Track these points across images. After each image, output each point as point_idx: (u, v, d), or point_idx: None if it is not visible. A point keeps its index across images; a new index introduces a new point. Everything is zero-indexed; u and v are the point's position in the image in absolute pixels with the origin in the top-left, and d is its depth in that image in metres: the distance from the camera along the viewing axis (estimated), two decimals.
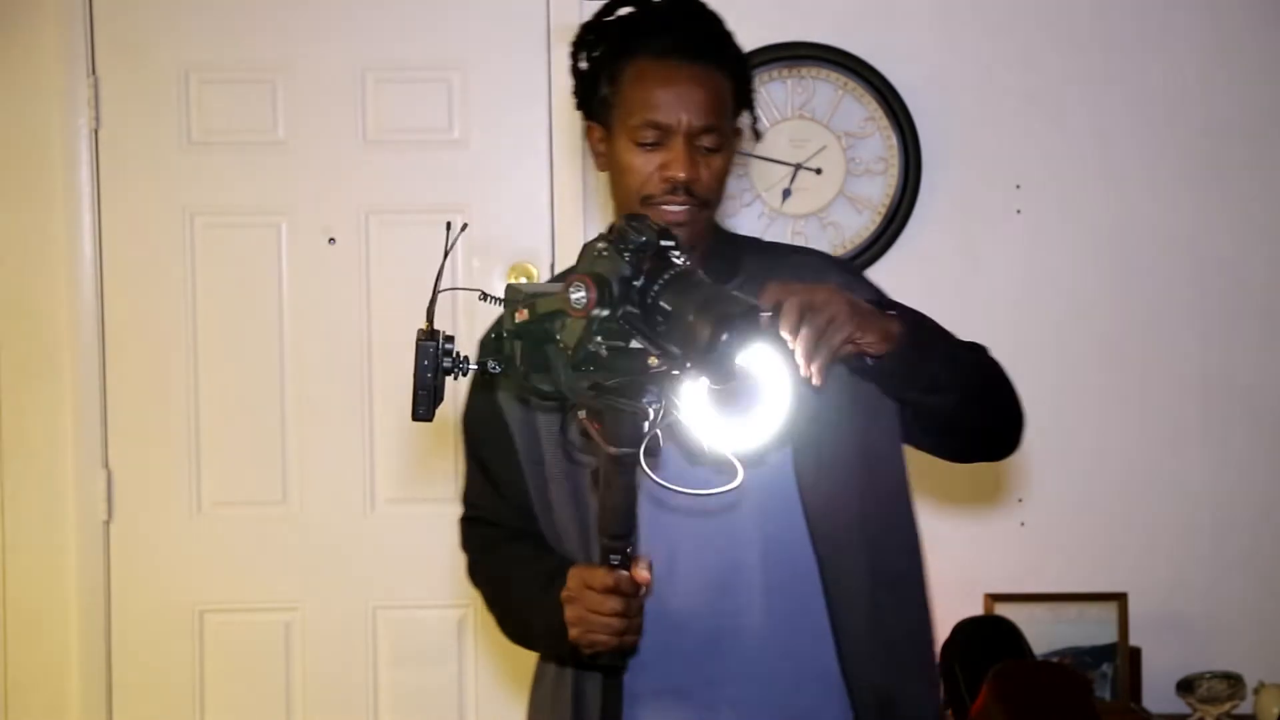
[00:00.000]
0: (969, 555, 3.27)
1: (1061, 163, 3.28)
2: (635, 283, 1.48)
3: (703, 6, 1.86)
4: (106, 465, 3.26)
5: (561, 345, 1.52)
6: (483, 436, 1.91)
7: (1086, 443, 3.30)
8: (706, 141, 1.79)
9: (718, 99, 1.80)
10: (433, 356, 1.59)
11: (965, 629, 3.12)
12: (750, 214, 3.25)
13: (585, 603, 1.64)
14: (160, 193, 3.27)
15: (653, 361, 1.50)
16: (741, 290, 1.78)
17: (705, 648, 1.80)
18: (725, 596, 1.79)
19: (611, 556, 1.59)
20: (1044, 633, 3.18)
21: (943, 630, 3.14)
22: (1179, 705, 3.16)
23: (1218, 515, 3.29)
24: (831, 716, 1.82)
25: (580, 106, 1.88)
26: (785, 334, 1.56)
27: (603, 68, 1.82)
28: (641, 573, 1.60)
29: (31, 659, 3.27)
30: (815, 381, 1.57)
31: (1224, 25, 3.28)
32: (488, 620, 3.25)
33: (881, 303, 1.77)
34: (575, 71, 1.88)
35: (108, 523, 3.26)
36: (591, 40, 1.86)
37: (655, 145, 1.78)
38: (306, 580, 3.28)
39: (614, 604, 1.62)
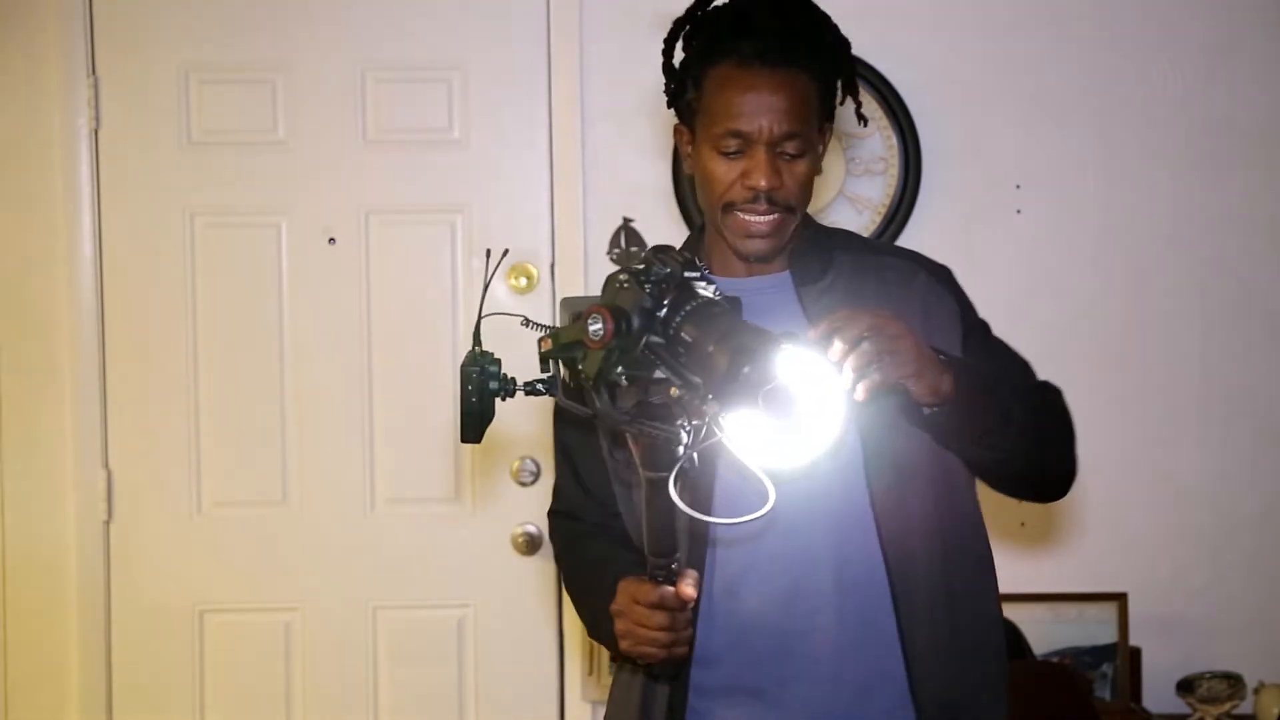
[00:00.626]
0: None
1: (1061, 163, 3.28)
2: (658, 314, 1.49)
3: (798, 8, 1.85)
4: (106, 465, 3.26)
5: (583, 375, 1.53)
6: (570, 433, 1.94)
7: (1086, 443, 3.26)
8: (789, 148, 1.78)
9: (801, 105, 1.79)
10: (476, 380, 1.58)
11: None
12: None
13: (633, 617, 1.69)
14: (160, 193, 3.27)
15: (674, 392, 1.51)
16: (831, 288, 1.83)
17: (777, 649, 1.82)
18: (797, 602, 1.81)
19: (655, 574, 1.65)
20: (1044, 633, 3.18)
21: None
22: (1179, 705, 3.16)
23: (1218, 515, 3.29)
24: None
25: (671, 105, 1.89)
26: (838, 346, 1.54)
27: (688, 71, 1.83)
28: (687, 589, 1.64)
29: (31, 659, 3.27)
30: (859, 397, 1.56)
31: (1224, 25, 3.28)
32: (488, 620, 3.28)
33: (947, 351, 1.75)
34: (667, 69, 1.89)
35: (108, 523, 3.26)
36: (682, 38, 1.87)
37: (738, 153, 1.78)
38: (306, 580, 3.28)
39: (660, 619, 1.67)
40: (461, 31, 3.28)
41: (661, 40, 1.89)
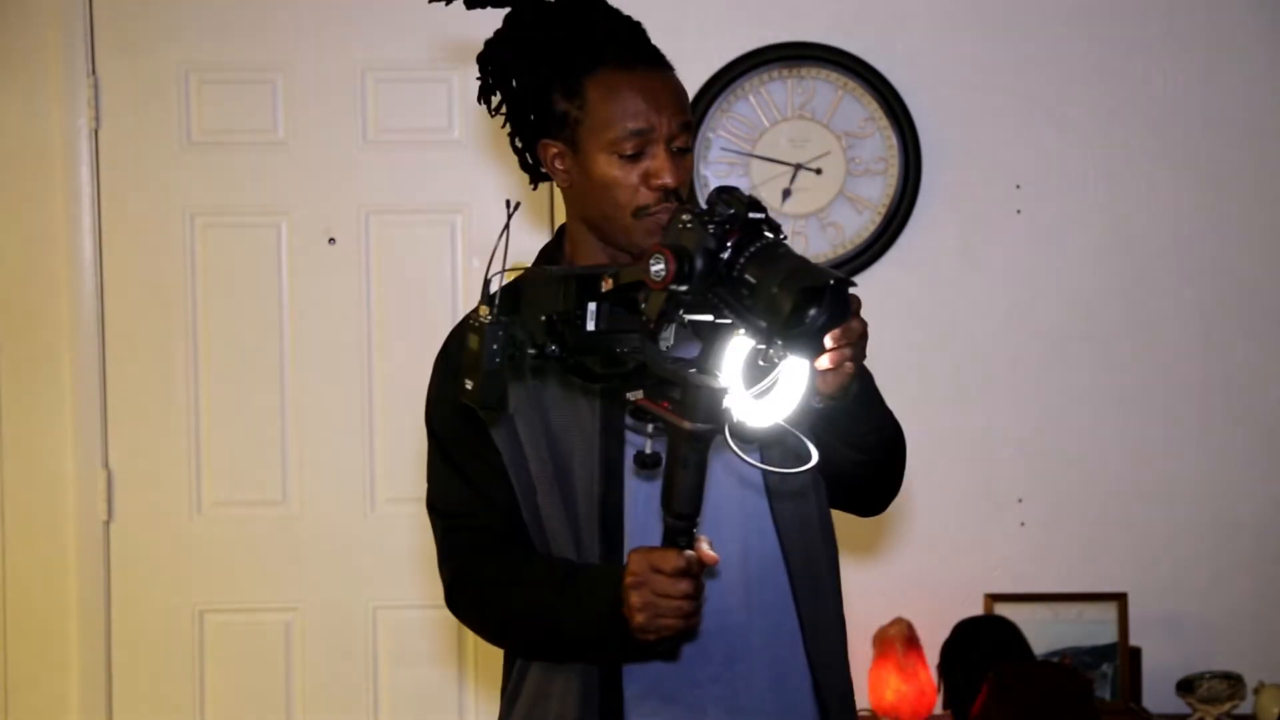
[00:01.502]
0: (969, 555, 3.27)
1: (1061, 163, 3.28)
2: (721, 255, 1.46)
3: (623, 12, 1.85)
4: (106, 465, 3.26)
5: (644, 317, 1.50)
6: (459, 442, 1.86)
7: (1086, 443, 3.30)
8: (680, 142, 1.78)
9: (685, 97, 1.81)
10: (503, 340, 1.54)
11: (965, 629, 3.13)
12: None
13: (654, 586, 1.60)
14: (160, 193, 3.27)
15: (738, 333, 1.49)
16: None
17: (690, 648, 1.80)
18: (712, 593, 1.78)
19: (679, 538, 1.58)
20: (1044, 633, 3.18)
21: (943, 630, 3.15)
22: (1179, 705, 3.16)
23: (1218, 515, 3.29)
24: (807, 712, 1.84)
25: (518, 125, 1.85)
26: (842, 330, 1.53)
27: (553, 84, 1.78)
28: (710, 552, 1.60)
29: (31, 659, 3.27)
30: (824, 386, 1.55)
31: (1224, 25, 3.28)
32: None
33: None
34: (504, 91, 1.84)
35: (108, 523, 3.26)
36: (519, 59, 1.82)
37: (635, 155, 1.76)
38: (306, 580, 3.28)
39: (684, 586, 1.60)
40: (461, 32, 3.28)
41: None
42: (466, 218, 3.28)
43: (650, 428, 1.56)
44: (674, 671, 1.79)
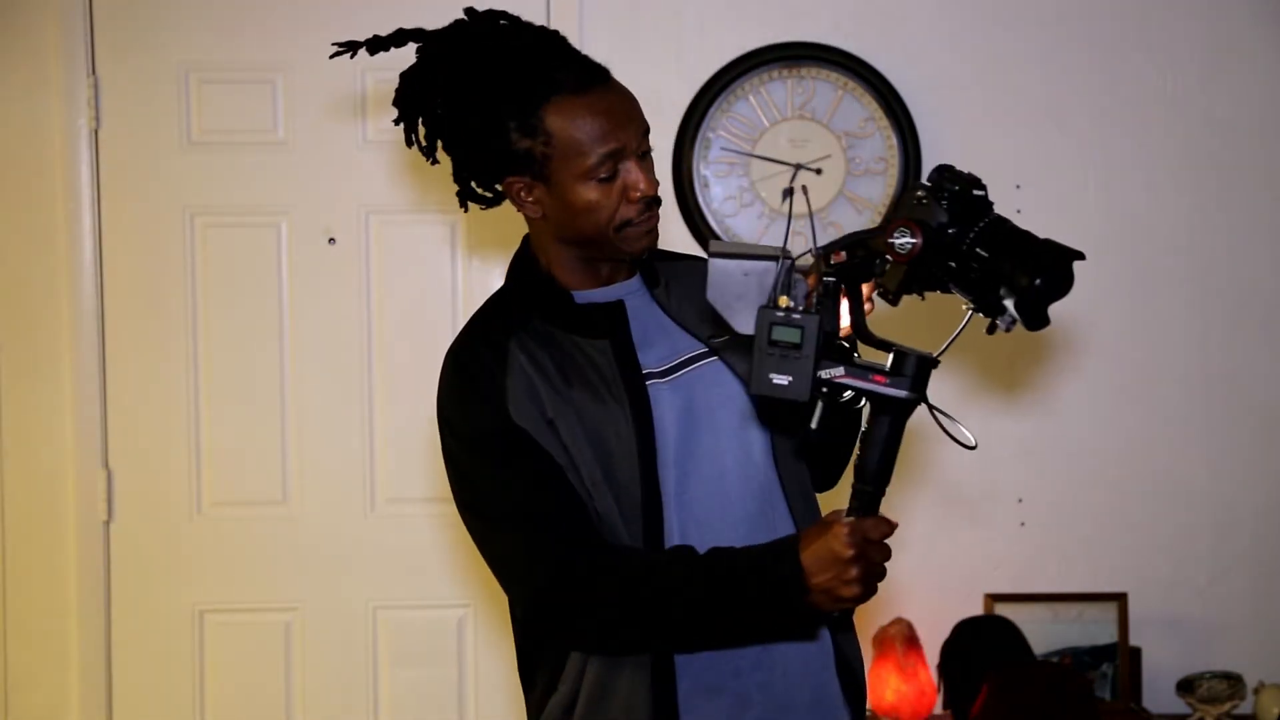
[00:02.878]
0: (969, 555, 3.27)
1: (1061, 163, 3.29)
2: (950, 230, 1.51)
3: (551, 31, 1.84)
4: (106, 465, 3.26)
5: (883, 289, 1.54)
6: (514, 451, 1.78)
7: (1087, 443, 3.30)
8: (644, 147, 1.80)
9: (637, 103, 1.82)
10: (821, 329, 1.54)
11: (965, 629, 3.13)
12: (750, 214, 3.25)
13: (873, 555, 1.62)
14: (160, 193, 3.27)
15: (966, 308, 1.54)
16: (670, 288, 1.89)
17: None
18: None
19: (869, 506, 1.61)
20: (1044, 633, 3.18)
21: (943, 630, 3.15)
22: (1179, 705, 3.16)
23: (1218, 515, 3.29)
24: (832, 690, 1.87)
25: (477, 169, 1.85)
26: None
27: (505, 123, 1.77)
28: (892, 518, 1.64)
29: (31, 659, 3.27)
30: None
31: (1224, 25, 3.28)
32: (487, 620, 3.28)
33: None
34: (462, 137, 1.83)
35: (108, 523, 3.26)
36: (458, 98, 1.81)
37: (610, 177, 1.77)
38: (306, 580, 3.28)
39: (887, 550, 1.64)
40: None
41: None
42: (466, 218, 3.28)
43: (820, 405, 1.57)
44: (717, 663, 1.81)
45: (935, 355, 1.55)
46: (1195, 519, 3.29)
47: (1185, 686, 3.10)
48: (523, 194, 1.83)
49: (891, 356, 1.55)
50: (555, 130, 1.76)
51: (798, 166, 3.25)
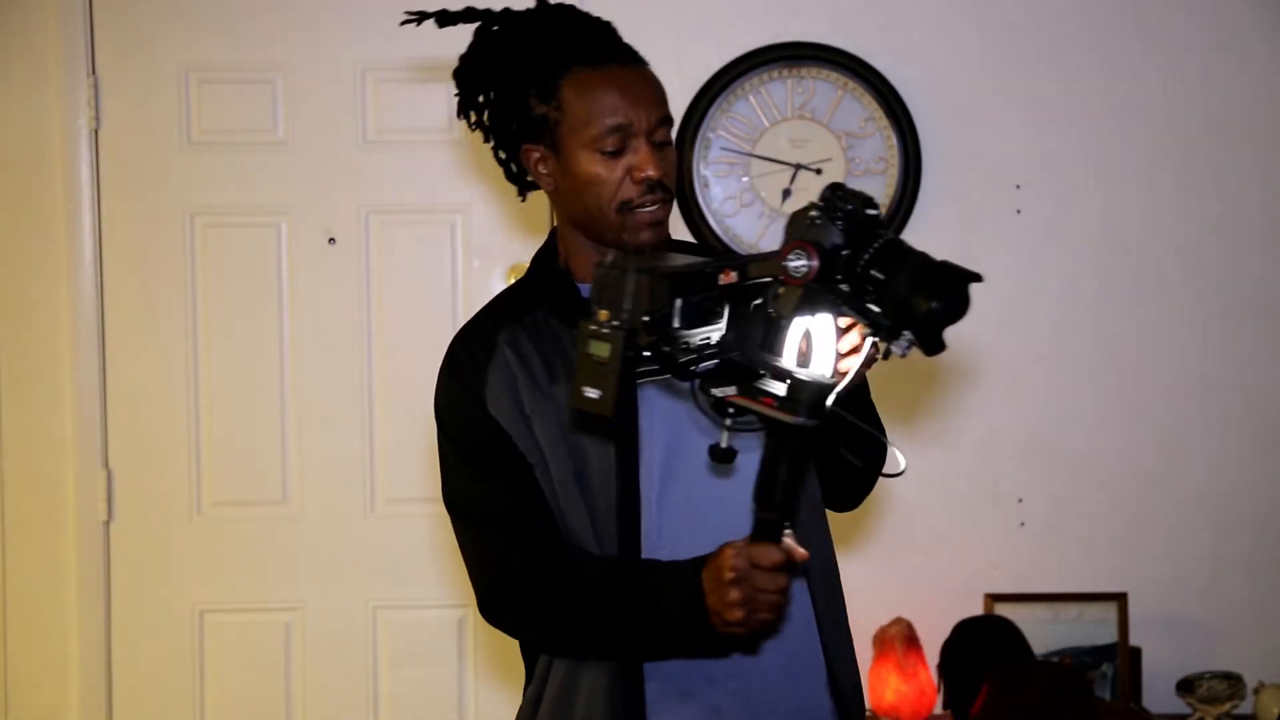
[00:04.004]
0: (969, 555, 3.27)
1: (1061, 163, 3.28)
2: (844, 252, 1.45)
3: (589, 14, 1.86)
4: (106, 465, 3.26)
5: (774, 314, 1.49)
6: (483, 447, 1.83)
7: (1086, 443, 3.30)
8: (660, 135, 1.79)
9: (662, 92, 1.82)
10: (628, 343, 1.50)
11: (965, 629, 3.13)
12: (750, 214, 3.25)
13: (754, 582, 1.60)
14: (160, 193, 3.27)
15: (859, 330, 1.50)
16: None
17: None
18: None
19: (771, 533, 1.57)
20: (1044, 633, 3.18)
21: (943, 630, 3.15)
22: (1179, 705, 3.16)
23: (1218, 515, 3.29)
24: (821, 706, 1.86)
25: (500, 136, 1.85)
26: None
27: (528, 90, 1.79)
28: (800, 549, 1.60)
29: (31, 659, 3.27)
30: (863, 354, 1.56)
31: (1224, 25, 3.28)
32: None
33: None
34: (481, 104, 1.85)
35: (108, 523, 3.26)
36: (492, 71, 1.83)
37: (616, 152, 1.77)
38: (306, 580, 3.28)
39: (782, 580, 1.60)
40: (462, 31, 3.27)
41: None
42: (466, 218, 3.28)
43: (728, 422, 1.54)
44: (690, 669, 1.80)
45: (833, 381, 1.50)
46: (1195, 519, 3.29)
47: (1185, 686, 3.10)
48: (539, 165, 1.83)
49: (789, 382, 1.51)
50: (569, 97, 1.77)
51: (798, 166, 3.25)
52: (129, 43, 3.26)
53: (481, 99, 1.86)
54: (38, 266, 3.25)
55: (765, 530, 1.58)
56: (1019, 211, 3.28)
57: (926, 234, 3.25)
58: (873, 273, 1.43)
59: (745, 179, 3.25)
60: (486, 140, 1.89)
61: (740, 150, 3.25)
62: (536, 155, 1.83)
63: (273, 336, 3.28)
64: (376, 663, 3.29)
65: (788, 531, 1.59)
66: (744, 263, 1.54)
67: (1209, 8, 3.28)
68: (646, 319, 1.50)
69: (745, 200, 3.26)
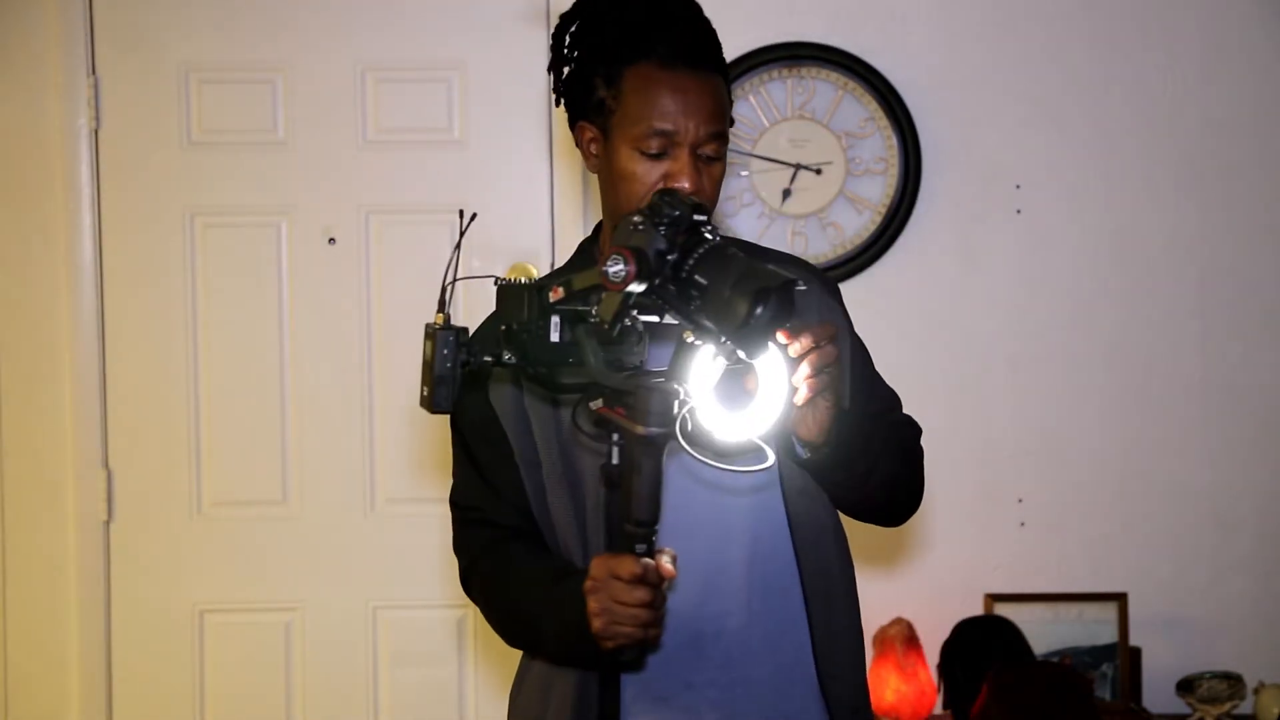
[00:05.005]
0: (969, 555, 3.27)
1: (1061, 163, 3.28)
2: (669, 257, 1.46)
3: (698, 8, 1.83)
4: (106, 465, 3.26)
5: (597, 320, 1.50)
6: (477, 437, 1.86)
7: (1087, 443, 3.30)
8: (709, 150, 1.76)
9: (721, 106, 1.77)
10: (453, 346, 1.55)
11: (965, 629, 3.13)
12: (750, 214, 3.25)
13: (611, 592, 1.59)
14: (160, 193, 3.27)
15: (687, 336, 1.49)
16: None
17: (686, 651, 1.79)
18: (710, 597, 1.79)
19: (637, 545, 1.56)
20: (1044, 633, 3.18)
21: (943, 630, 3.15)
22: (1179, 705, 3.16)
23: (1218, 515, 3.29)
24: (817, 714, 1.84)
25: (568, 103, 1.85)
26: (803, 344, 1.53)
27: (598, 69, 1.78)
28: (667, 566, 1.58)
29: (31, 659, 3.27)
30: (799, 399, 1.56)
31: (1224, 25, 3.28)
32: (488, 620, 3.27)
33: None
34: (562, 68, 1.84)
35: (108, 523, 3.26)
36: (582, 38, 1.82)
37: (659, 154, 1.74)
38: (306, 580, 3.28)
39: (641, 594, 1.58)
40: (461, 31, 3.28)
41: None
42: (466, 218, 3.28)
43: (615, 437, 1.54)
44: (668, 673, 1.79)
45: (681, 390, 1.50)
46: (1195, 519, 3.29)
47: (1185, 686, 3.10)
48: (591, 145, 1.82)
49: (636, 391, 1.51)
50: (627, 89, 1.75)
51: (797, 166, 3.25)
52: (129, 43, 3.26)
53: (565, 65, 1.85)
54: (38, 266, 3.25)
55: (628, 542, 1.57)
56: (1019, 211, 3.28)
57: (926, 234, 3.26)
58: (696, 277, 1.45)
59: (745, 179, 3.25)
60: (557, 104, 1.88)
61: (740, 150, 3.25)
62: (590, 135, 1.82)
63: (273, 336, 3.28)
64: (376, 663, 3.29)
65: (665, 549, 1.58)
66: (569, 278, 1.55)
67: (1209, 7, 3.28)
68: (506, 328, 1.56)
69: (745, 200, 3.26)
